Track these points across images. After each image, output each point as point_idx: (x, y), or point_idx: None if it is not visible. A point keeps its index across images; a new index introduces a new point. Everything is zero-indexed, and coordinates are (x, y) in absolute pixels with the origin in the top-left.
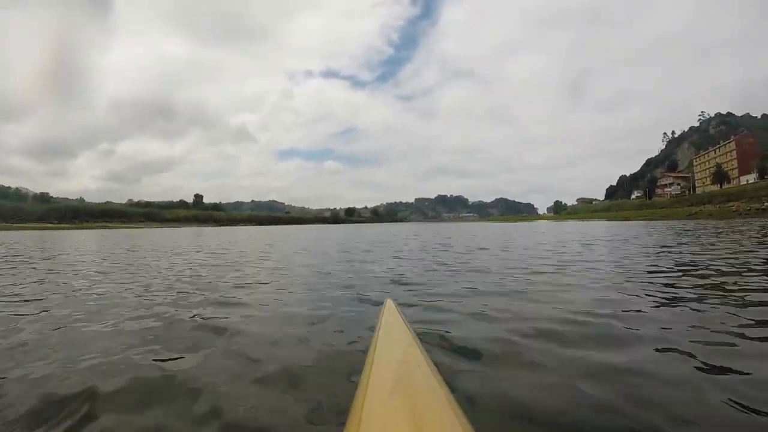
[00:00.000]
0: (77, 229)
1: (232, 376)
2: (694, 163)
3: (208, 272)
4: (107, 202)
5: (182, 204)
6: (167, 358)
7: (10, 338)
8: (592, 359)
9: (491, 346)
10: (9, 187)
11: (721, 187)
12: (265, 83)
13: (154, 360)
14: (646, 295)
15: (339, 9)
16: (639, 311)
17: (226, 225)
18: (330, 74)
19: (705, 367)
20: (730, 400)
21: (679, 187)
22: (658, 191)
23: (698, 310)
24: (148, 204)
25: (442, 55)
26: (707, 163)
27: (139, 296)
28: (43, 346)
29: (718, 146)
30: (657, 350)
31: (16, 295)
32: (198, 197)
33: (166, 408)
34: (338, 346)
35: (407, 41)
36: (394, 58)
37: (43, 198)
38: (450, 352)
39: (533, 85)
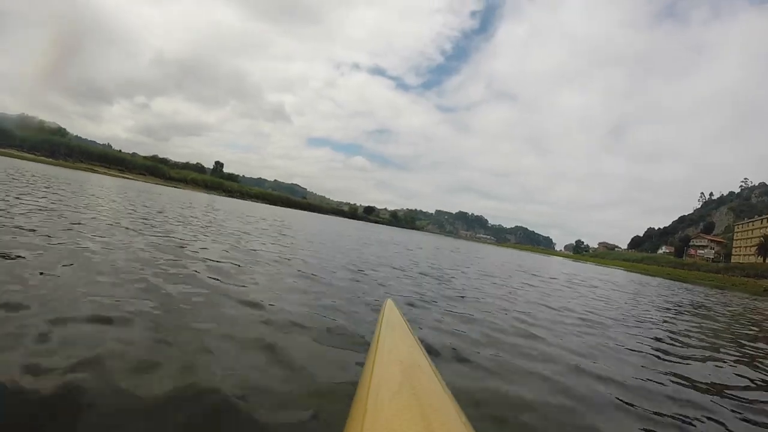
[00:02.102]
0: (67, 167)
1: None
2: (736, 230)
3: None
4: (132, 153)
5: (198, 167)
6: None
7: None
8: None
9: None
10: (34, 118)
11: (764, 260)
12: (310, 68)
13: None
14: None
15: (397, 7)
16: None
17: (237, 197)
18: (376, 71)
19: None
20: None
21: (712, 251)
22: (690, 251)
23: None
24: (162, 160)
25: (491, 73)
26: (751, 232)
27: None
28: None
29: (766, 216)
30: None
31: None
32: (218, 164)
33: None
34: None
35: (458, 53)
36: (443, 67)
37: (60, 133)
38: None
39: (574, 121)
